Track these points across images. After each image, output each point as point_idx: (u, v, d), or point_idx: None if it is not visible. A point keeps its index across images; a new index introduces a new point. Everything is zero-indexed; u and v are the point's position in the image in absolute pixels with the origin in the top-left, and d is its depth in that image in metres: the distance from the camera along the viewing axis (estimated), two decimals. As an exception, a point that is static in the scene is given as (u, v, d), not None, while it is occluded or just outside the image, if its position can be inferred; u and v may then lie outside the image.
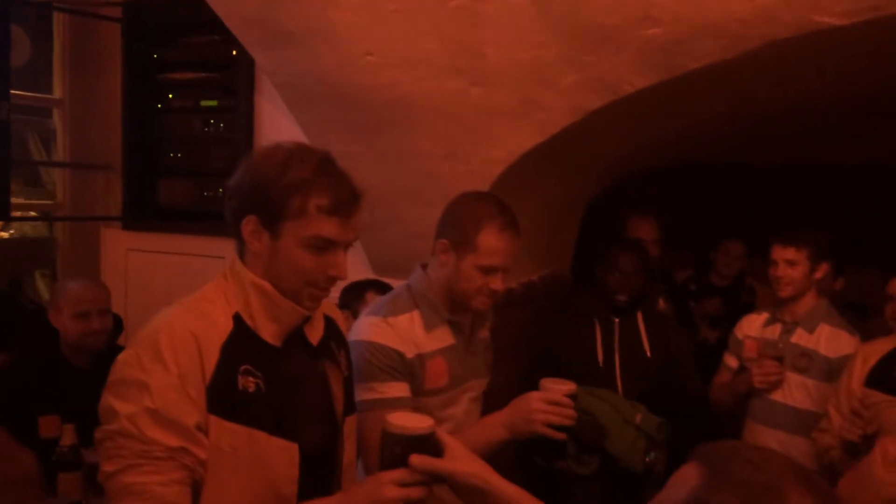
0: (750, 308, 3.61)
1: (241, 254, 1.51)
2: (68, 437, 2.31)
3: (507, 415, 1.88)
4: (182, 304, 1.46)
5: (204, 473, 1.37)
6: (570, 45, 2.42)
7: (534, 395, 1.87)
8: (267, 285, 1.46)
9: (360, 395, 1.80)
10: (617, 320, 3.10)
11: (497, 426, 1.88)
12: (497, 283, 1.93)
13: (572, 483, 3.11)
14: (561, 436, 1.84)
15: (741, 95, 2.82)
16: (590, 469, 3.01)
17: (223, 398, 1.38)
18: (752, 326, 3.02)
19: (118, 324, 2.98)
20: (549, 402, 1.84)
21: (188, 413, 1.34)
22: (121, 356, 1.39)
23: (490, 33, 2.48)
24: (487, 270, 1.92)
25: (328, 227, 1.44)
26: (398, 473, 1.34)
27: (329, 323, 1.65)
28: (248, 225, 1.45)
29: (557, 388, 1.88)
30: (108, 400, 1.35)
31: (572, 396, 1.88)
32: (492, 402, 2.11)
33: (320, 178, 1.44)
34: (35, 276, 4.23)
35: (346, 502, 1.42)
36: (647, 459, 2.90)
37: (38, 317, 2.93)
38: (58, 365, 2.70)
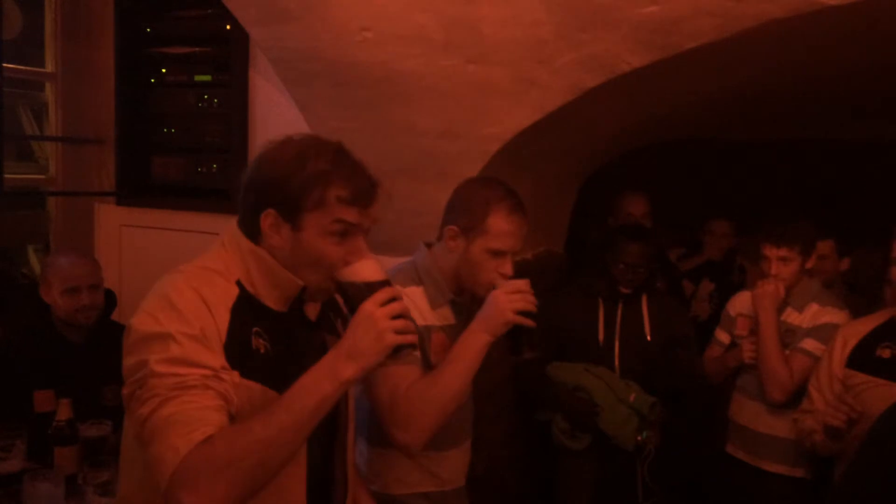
0: (741, 288, 3.64)
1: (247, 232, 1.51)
2: (64, 412, 2.33)
3: (481, 318, 1.89)
4: (182, 270, 1.46)
5: (235, 406, 1.35)
6: (567, 22, 2.41)
7: (496, 291, 1.89)
8: (265, 253, 1.47)
9: None
10: (621, 302, 3.12)
11: (476, 333, 1.88)
12: (507, 268, 1.95)
13: (565, 458, 3.15)
14: (531, 323, 1.86)
15: (738, 74, 2.81)
16: (582, 445, 3.05)
17: (240, 355, 1.39)
18: (745, 304, 3.05)
19: (112, 299, 2.98)
20: (511, 292, 1.86)
21: (214, 359, 1.34)
22: (133, 321, 1.38)
23: (487, 10, 2.47)
24: (497, 254, 1.94)
25: (349, 215, 1.46)
26: (391, 308, 1.38)
27: None
28: (268, 219, 1.45)
29: (514, 281, 1.90)
30: (132, 359, 1.35)
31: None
32: (486, 378, 2.12)
33: (339, 170, 1.46)
34: (28, 251, 4.22)
35: (347, 340, 1.38)
36: (638, 438, 2.94)
37: (31, 291, 2.92)
38: (51, 340, 2.71)
